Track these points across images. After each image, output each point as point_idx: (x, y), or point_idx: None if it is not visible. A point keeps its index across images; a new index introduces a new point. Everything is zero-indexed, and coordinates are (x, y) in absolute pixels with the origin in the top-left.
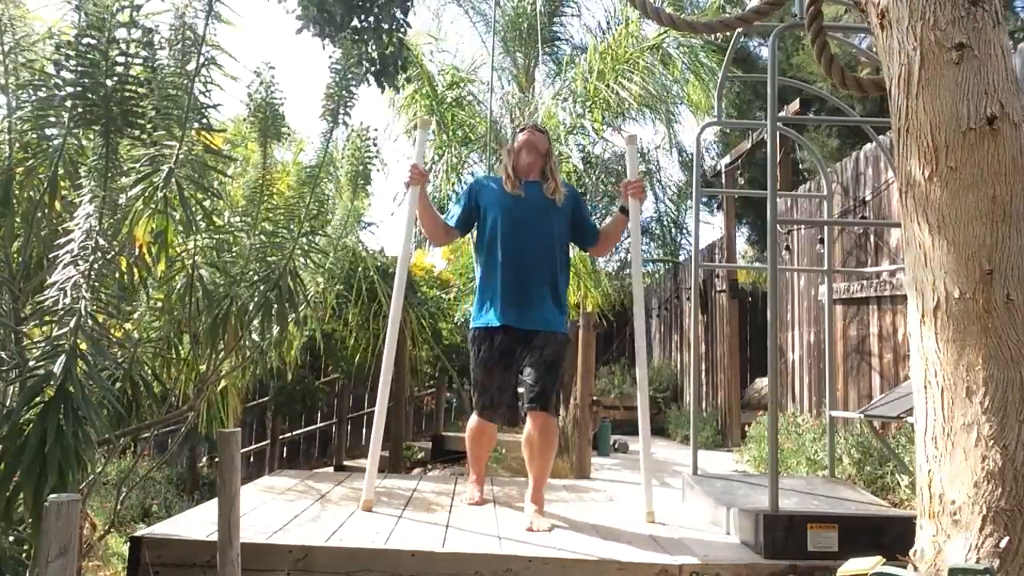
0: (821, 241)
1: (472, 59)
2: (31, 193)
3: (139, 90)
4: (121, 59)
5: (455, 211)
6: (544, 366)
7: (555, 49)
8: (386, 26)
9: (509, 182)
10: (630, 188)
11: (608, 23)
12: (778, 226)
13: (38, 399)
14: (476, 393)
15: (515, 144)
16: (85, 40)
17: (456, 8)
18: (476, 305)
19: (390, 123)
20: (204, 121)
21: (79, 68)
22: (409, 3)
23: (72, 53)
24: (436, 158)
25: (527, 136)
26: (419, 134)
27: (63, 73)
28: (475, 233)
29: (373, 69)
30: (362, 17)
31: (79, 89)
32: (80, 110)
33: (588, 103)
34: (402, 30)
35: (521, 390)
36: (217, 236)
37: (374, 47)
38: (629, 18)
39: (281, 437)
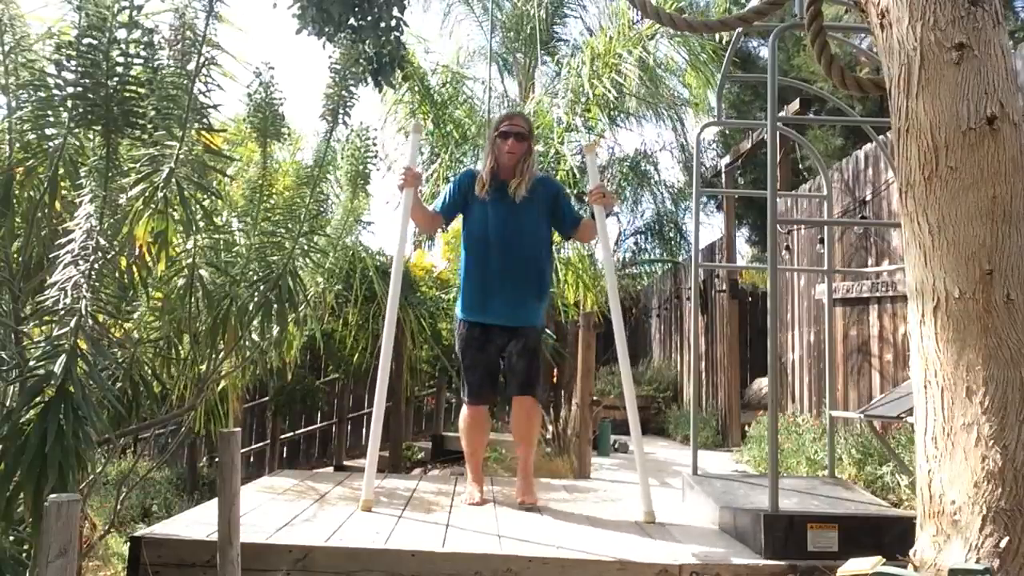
0: (821, 241)
1: (470, 53)
2: (31, 193)
3: (139, 90)
4: (121, 59)
5: (442, 198)
6: (528, 355)
7: (556, 49)
8: (383, 25)
9: (479, 183)
10: (592, 196)
11: (610, 22)
12: (778, 226)
13: (38, 399)
14: (464, 380)
15: (496, 143)
16: (86, 40)
17: (463, 8)
18: (460, 297)
19: (386, 119)
20: (204, 121)
21: (80, 68)
22: (406, 2)
23: (73, 53)
24: (434, 157)
25: (509, 144)
26: (412, 138)
27: (64, 73)
28: (461, 226)
29: (370, 68)
30: (359, 16)
31: (79, 89)
32: (80, 110)
33: (584, 101)
34: (400, 29)
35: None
36: (217, 236)
37: (371, 46)
38: (623, 19)
39: (281, 437)
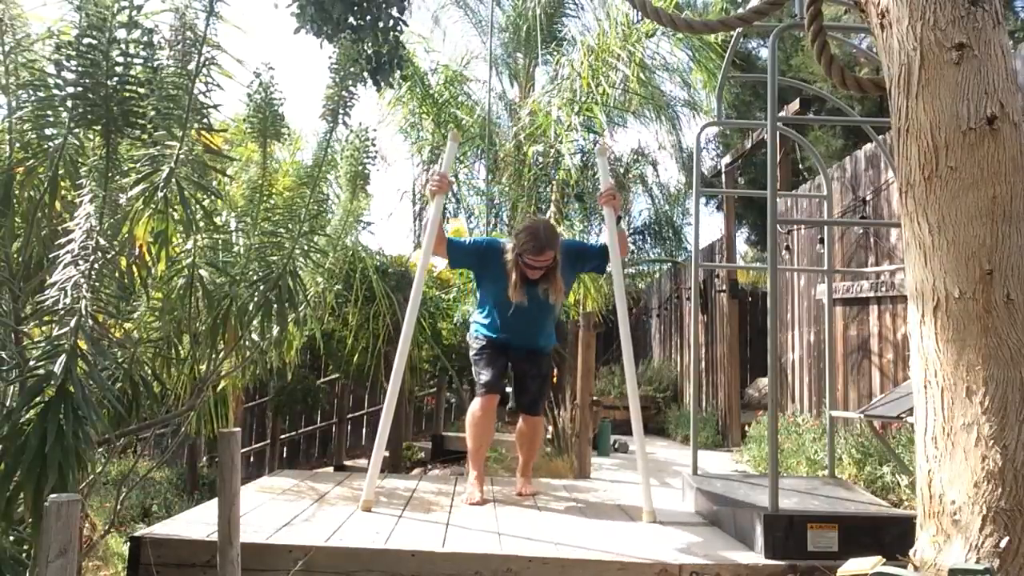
0: (821, 241)
1: (467, 52)
2: (31, 193)
3: (139, 90)
4: (121, 59)
5: (460, 244)
6: (540, 379)
7: (556, 49)
8: (382, 24)
9: (514, 292)
10: (603, 198)
11: (609, 22)
12: (778, 226)
13: (38, 399)
14: (478, 375)
15: (522, 256)
16: (86, 40)
17: (457, 10)
18: (479, 318)
19: (384, 119)
20: (204, 121)
21: (80, 68)
22: (406, 2)
23: (73, 53)
24: (434, 157)
25: (534, 262)
26: (449, 146)
27: (64, 73)
28: (476, 277)
29: (369, 67)
30: (358, 15)
31: (79, 89)
32: (80, 110)
33: (582, 98)
34: (399, 28)
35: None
36: (217, 236)
37: (370, 45)
38: (618, 20)
39: (281, 437)
